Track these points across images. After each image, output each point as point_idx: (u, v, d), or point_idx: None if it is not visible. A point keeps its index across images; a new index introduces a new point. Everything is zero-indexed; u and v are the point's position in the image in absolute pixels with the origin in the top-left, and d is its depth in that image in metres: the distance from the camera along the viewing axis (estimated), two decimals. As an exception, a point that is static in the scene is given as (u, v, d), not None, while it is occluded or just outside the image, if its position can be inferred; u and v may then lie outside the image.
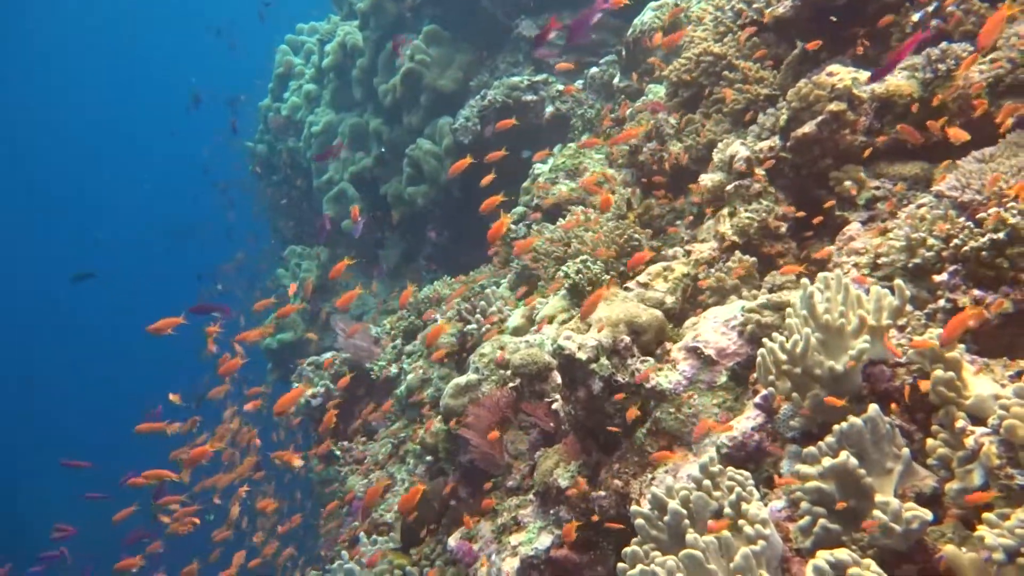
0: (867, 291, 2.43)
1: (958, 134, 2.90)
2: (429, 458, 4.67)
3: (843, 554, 1.99)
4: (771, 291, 3.16)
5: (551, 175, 5.62)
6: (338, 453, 5.88)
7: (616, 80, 6.33)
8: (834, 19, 3.72)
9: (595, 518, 2.95)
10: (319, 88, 10.80)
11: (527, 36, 8.37)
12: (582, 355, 2.95)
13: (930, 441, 2.19)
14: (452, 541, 3.70)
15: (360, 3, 9.38)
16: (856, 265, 2.94)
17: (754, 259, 3.31)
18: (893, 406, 2.34)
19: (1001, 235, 2.32)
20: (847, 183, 3.25)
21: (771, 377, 2.49)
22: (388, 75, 8.92)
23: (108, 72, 40.03)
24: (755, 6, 4.25)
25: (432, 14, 8.80)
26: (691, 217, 4.07)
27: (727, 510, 2.31)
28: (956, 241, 2.44)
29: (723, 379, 2.89)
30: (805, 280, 2.44)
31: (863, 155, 3.28)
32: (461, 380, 3.99)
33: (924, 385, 2.24)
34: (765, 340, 2.55)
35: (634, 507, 2.44)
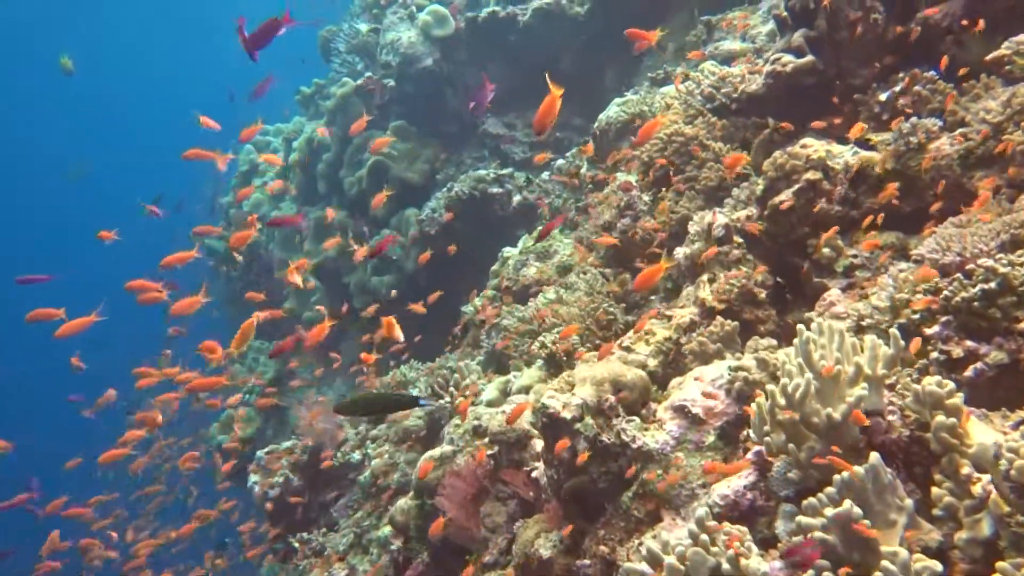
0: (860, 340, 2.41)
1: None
2: (395, 546, 4.46)
3: (853, 605, 1.90)
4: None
5: (521, 257, 5.62)
6: (296, 545, 5.60)
7: (584, 169, 6.42)
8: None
9: None
10: (283, 183, 10.82)
11: (493, 133, 8.58)
12: (567, 414, 2.86)
13: (935, 490, 2.12)
14: (422, 626, 3.50)
15: (327, 102, 9.56)
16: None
17: (736, 323, 3.29)
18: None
19: (992, 284, 2.32)
20: (825, 250, 3.27)
21: (765, 428, 2.42)
22: (354, 169, 8.99)
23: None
24: (723, 91, 4.38)
25: (399, 112, 8.96)
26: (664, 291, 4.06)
27: (725, 565, 2.20)
28: (946, 292, 2.43)
29: (711, 439, 2.81)
30: (801, 326, 2.41)
31: (841, 223, 3.31)
32: (435, 452, 3.85)
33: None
34: (761, 390, 2.50)
35: (627, 564, 2.32)
